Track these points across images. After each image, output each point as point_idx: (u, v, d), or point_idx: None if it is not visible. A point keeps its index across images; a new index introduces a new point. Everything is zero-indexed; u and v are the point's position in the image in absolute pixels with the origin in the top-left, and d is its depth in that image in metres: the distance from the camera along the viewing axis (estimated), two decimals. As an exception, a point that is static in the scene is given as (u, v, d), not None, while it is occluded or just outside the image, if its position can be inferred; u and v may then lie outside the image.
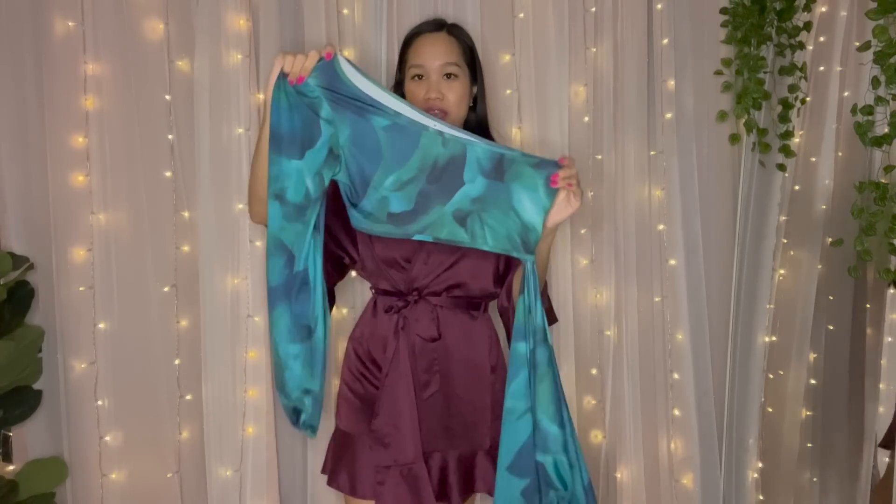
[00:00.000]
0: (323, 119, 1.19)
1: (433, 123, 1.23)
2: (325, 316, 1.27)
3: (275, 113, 1.16)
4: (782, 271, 2.14)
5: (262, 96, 1.76)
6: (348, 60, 1.20)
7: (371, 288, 1.46)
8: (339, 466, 1.42)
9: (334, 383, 1.77)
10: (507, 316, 1.40)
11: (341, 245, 1.40)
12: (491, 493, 1.38)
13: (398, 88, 1.47)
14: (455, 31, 1.45)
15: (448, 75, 1.40)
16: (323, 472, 1.48)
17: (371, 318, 1.44)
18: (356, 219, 1.26)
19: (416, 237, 1.26)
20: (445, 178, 1.23)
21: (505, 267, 1.42)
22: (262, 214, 1.27)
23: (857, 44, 1.84)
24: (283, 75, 1.16)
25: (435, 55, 1.39)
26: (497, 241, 1.25)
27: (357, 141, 1.21)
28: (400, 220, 1.25)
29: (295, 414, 1.33)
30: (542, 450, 1.27)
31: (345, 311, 1.87)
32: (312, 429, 1.34)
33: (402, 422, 1.35)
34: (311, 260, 1.23)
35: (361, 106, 1.20)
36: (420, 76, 1.40)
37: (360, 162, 1.22)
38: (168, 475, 1.77)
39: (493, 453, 1.39)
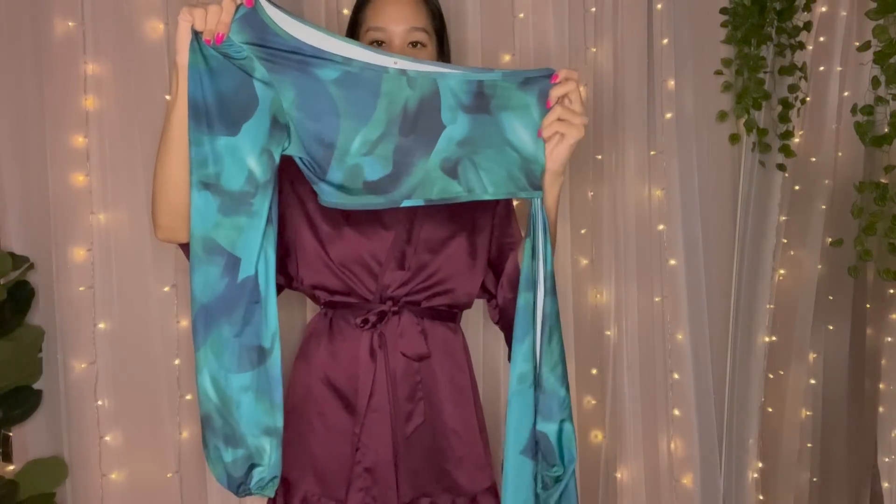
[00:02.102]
0: (258, 80, 0.96)
1: (392, 61, 1.00)
2: (278, 331, 1.00)
3: (193, 82, 0.93)
4: (782, 271, 2.14)
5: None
6: (273, 3, 0.97)
7: (322, 303, 1.20)
8: None
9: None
10: (510, 312, 1.14)
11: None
12: None
13: None
14: None
15: (414, 43, 1.16)
16: None
17: (327, 339, 1.17)
18: (327, 193, 1.01)
19: (405, 203, 1.02)
20: (421, 126, 1.01)
21: (497, 258, 1.21)
22: (174, 228, 1.03)
23: (857, 44, 1.85)
24: (197, 35, 0.93)
25: (400, 18, 1.15)
26: (497, 185, 1.03)
27: (305, 104, 0.99)
28: (380, 187, 1.02)
29: (247, 471, 1.00)
30: (545, 417, 1.05)
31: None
32: (274, 482, 1.01)
33: (377, 466, 1.12)
34: (263, 261, 0.98)
35: (302, 59, 0.97)
36: (380, 42, 1.16)
37: (315, 128, 1.00)
38: (168, 475, 1.77)
39: (494, 491, 1.20)
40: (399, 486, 1.14)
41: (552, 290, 1.05)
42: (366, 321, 1.13)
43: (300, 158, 1.01)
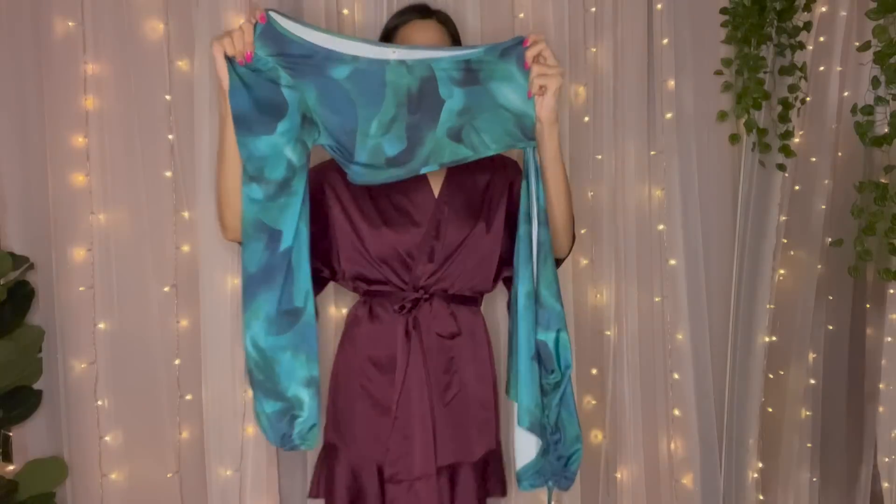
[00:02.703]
0: (284, 87, 1.15)
1: (392, 53, 1.18)
2: (311, 290, 1.18)
3: (233, 98, 1.12)
4: (782, 271, 2.14)
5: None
6: (281, 14, 1.15)
7: (361, 293, 1.38)
8: (331, 487, 1.35)
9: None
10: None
11: (319, 254, 1.32)
12: (502, 492, 1.38)
13: None
14: (443, 18, 1.39)
15: None
16: (313, 496, 1.41)
17: (368, 322, 1.35)
18: (356, 173, 1.21)
19: (424, 170, 1.22)
20: (425, 104, 1.19)
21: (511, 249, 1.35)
22: (240, 228, 1.18)
23: (857, 44, 1.85)
24: (230, 60, 1.11)
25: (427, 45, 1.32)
26: (497, 141, 1.21)
27: (326, 100, 1.17)
28: (400, 161, 1.21)
29: (289, 422, 1.18)
30: (545, 328, 1.23)
31: (344, 310, 1.87)
32: (313, 431, 1.19)
33: (414, 433, 1.28)
34: (300, 233, 1.17)
35: (318, 62, 1.15)
36: None
37: (338, 119, 1.18)
38: (168, 475, 1.77)
39: (499, 452, 1.39)
40: (437, 450, 1.30)
41: (545, 223, 1.23)
42: (402, 307, 1.31)
43: (330, 146, 1.20)
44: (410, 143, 1.20)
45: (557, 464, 1.27)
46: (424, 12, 1.38)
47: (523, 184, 1.23)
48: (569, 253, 1.40)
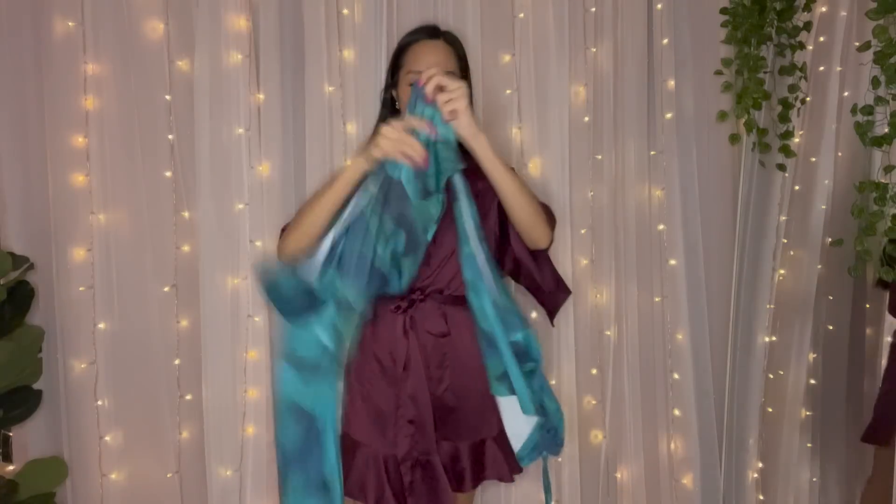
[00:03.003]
0: (317, 285, 1.21)
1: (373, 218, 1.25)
2: (338, 464, 1.26)
3: (271, 287, 1.20)
4: (782, 271, 2.14)
5: (261, 96, 1.76)
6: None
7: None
8: (349, 473, 1.41)
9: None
10: (526, 263, 1.46)
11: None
12: (501, 478, 1.48)
13: (387, 93, 1.48)
14: (450, 39, 1.46)
15: None
16: None
17: (371, 323, 1.43)
18: (393, 286, 1.31)
19: (429, 237, 1.30)
20: (392, 196, 1.25)
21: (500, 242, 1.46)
22: (298, 256, 1.26)
23: (857, 44, 1.84)
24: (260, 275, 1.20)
25: (435, 63, 1.37)
26: (449, 172, 1.28)
27: (345, 272, 1.23)
28: (411, 246, 1.29)
29: None
30: (512, 329, 1.34)
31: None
32: None
33: (417, 418, 1.40)
34: (329, 415, 1.23)
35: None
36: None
37: (361, 280, 1.24)
38: (168, 475, 1.77)
39: (500, 439, 1.46)
40: (437, 433, 1.41)
41: (484, 238, 1.32)
42: (398, 307, 1.41)
43: (370, 299, 1.26)
44: (406, 230, 1.27)
45: (548, 436, 1.43)
46: (433, 33, 1.44)
47: (454, 206, 1.31)
48: (549, 243, 1.44)
